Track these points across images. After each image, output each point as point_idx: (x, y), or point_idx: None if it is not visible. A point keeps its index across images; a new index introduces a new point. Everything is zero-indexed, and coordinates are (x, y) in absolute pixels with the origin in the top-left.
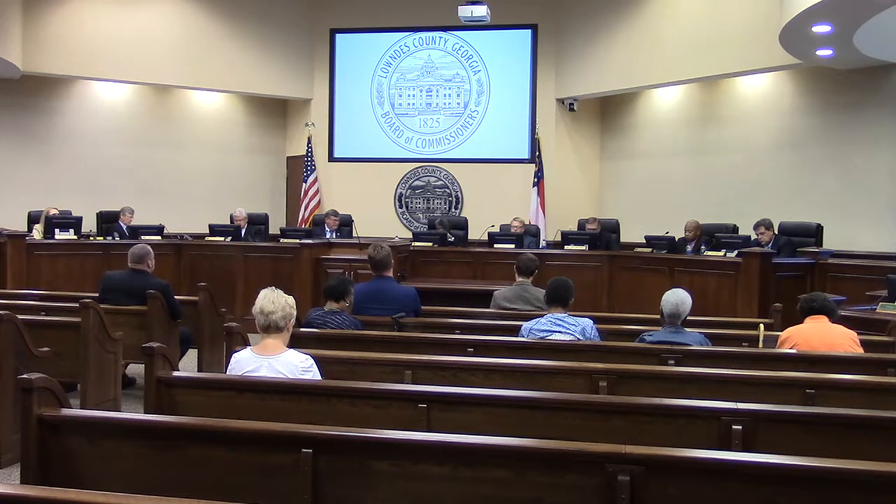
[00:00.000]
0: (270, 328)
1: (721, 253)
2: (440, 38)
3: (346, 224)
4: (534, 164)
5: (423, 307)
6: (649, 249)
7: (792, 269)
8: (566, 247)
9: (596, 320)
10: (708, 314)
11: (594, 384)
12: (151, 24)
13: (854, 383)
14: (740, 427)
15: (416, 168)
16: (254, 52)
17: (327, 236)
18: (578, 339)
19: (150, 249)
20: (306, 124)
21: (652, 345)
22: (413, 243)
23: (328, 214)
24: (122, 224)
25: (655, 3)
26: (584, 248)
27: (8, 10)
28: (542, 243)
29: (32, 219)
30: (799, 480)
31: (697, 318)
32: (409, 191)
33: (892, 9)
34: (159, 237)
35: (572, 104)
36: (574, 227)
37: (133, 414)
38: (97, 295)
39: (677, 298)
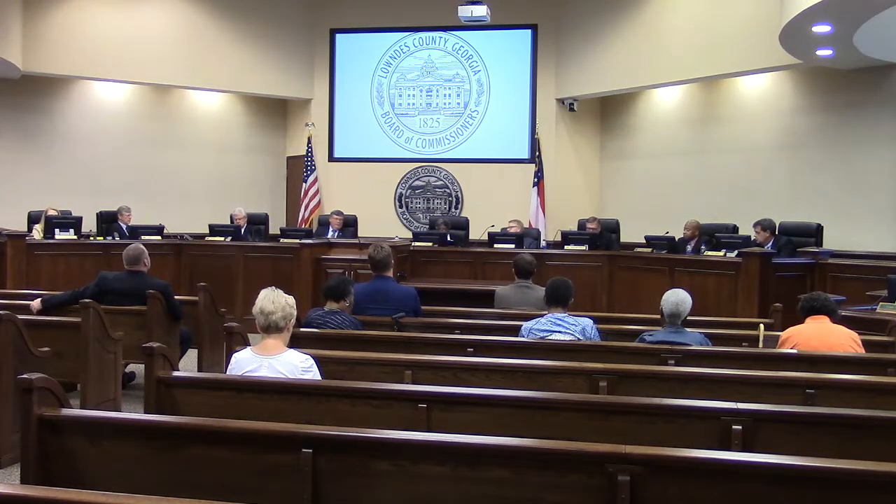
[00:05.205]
0: (270, 328)
1: (721, 253)
2: (440, 38)
3: (349, 224)
4: (534, 164)
5: (423, 307)
6: (649, 249)
7: (792, 269)
8: (566, 247)
9: (596, 320)
10: (708, 314)
11: (594, 384)
12: (151, 24)
13: (854, 383)
14: (740, 427)
15: (416, 168)
16: (254, 52)
17: (329, 236)
18: (578, 339)
19: (144, 248)
20: (306, 124)
21: (652, 345)
22: (413, 243)
23: (332, 214)
24: (122, 224)
25: (655, 3)
26: (584, 248)
27: (8, 10)
28: (543, 243)
29: (32, 219)
30: (799, 480)
31: (697, 318)
32: (409, 191)
33: (892, 9)
34: (159, 237)
35: (572, 104)
36: (574, 227)
37: (133, 414)
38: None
39: (677, 298)
